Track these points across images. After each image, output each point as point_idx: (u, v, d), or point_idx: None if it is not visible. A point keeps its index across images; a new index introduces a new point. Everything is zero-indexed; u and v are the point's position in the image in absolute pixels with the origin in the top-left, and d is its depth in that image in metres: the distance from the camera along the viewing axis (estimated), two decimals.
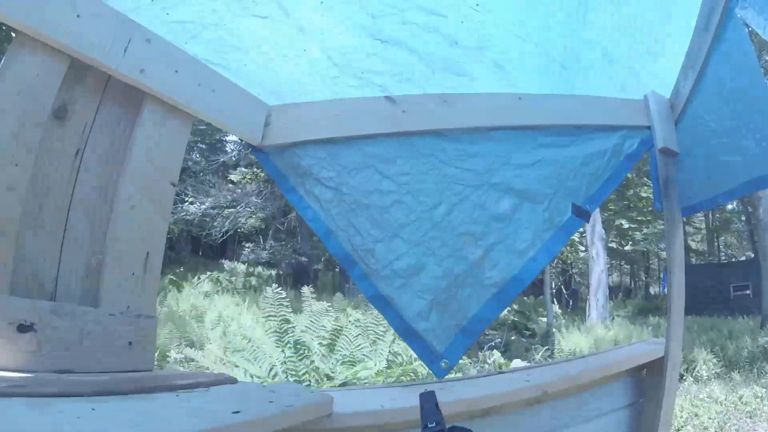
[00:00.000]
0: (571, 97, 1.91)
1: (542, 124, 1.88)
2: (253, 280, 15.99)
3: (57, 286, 1.17)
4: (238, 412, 0.98)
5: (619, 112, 1.98)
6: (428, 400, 0.79)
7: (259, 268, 19.43)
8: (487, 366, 7.21)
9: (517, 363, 7.91)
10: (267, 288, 5.21)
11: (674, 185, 2.05)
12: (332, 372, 4.04)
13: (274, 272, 18.98)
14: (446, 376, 1.81)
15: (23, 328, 1.05)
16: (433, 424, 0.70)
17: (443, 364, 1.73)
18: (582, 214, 1.87)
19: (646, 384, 2.27)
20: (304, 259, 17.81)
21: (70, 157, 1.20)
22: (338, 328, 4.49)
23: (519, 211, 1.83)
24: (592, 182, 1.90)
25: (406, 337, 1.76)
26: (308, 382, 3.98)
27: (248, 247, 18.98)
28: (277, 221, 19.73)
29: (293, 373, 4.13)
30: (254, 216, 18.23)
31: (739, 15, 1.37)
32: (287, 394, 1.19)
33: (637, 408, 2.31)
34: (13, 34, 1.12)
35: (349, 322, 5.02)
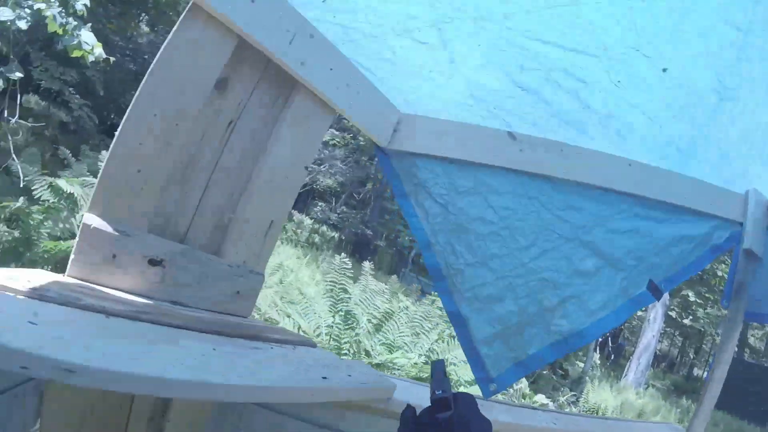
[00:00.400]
0: (676, 175, 1.85)
1: (643, 196, 1.85)
2: (317, 238, 16.58)
3: (188, 232, 1.33)
4: (326, 378, 1.12)
5: (716, 201, 1.91)
6: (438, 368, 0.81)
7: (324, 228, 20.10)
8: (511, 390, 7.12)
9: (541, 398, 7.76)
10: (336, 255, 5.42)
11: (746, 289, 1.95)
12: (372, 350, 4.21)
13: (337, 235, 19.58)
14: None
15: (154, 263, 1.22)
16: (440, 392, 0.72)
17: (492, 387, 1.81)
18: (656, 292, 1.84)
19: None
20: (369, 232, 18.10)
21: (223, 126, 1.33)
22: (389, 311, 4.63)
23: (599, 274, 1.83)
24: (674, 264, 1.87)
25: (468, 355, 1.85)
26: (347, 353, 4.18)
27: (320, 206, 19.66)
28: (353, 188, 20.14)
29: (336, 338, 4.34)
30: (333, 178, 18.79)
31: None
32: (360, 372, 1.34)
33: None
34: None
35: (399, 308, 5.13)
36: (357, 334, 4.35)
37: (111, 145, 1.16)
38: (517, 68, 1.48)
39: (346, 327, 4.40)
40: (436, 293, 6.62)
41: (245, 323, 1.37)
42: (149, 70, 1.16)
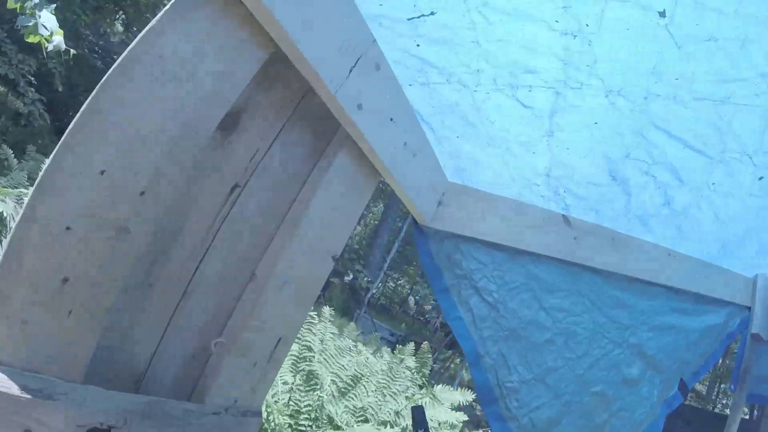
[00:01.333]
0: (700, 263, 1.72)
1: (679, 288, 1.72)
2: None
3: (149, 370, 0.74)
4: None
5: (731, 287, 1.84)
6: (419, 413, 0.88)
7: None
8: None
9: None
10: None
11: (750, 372, 1.92)
12: (337, 417, 3.55)
13: None
14: None
15: None
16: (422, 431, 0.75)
17: None
18: (684, 390, 1.76)
19: None
20: None
21: (222, 194, 0.76)
22: (358, 376, 3.98)
23: (643, 380, 1.68)
24: (701, 357, 1.79)
25: None
26: (307, 418, 3.51)
27: None
28: None
29: (296, 403, 3.66)
30: None
31: None
32: None
33: None
34: None
35: (364, 364, 4.50)
36: (320, 398, 3.67)
37: (14, 227, 0.56)
38: (623, 156, 1.17)
39: (308, 389, 3.72)
40: (398, 348, 6.03)
41: None
42: (100, 84, 0.57)
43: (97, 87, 0.55)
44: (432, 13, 0.82)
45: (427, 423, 0.82)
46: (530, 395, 1.49)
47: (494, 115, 1.04)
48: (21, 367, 0.58)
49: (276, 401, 3.63)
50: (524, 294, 1.49)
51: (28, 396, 0.58)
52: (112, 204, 0.58)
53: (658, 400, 1.68)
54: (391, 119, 0.95)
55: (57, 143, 0.56)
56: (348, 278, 12.80)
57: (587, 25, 0.73)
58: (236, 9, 0.65)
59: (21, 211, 0.52)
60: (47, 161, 0.54)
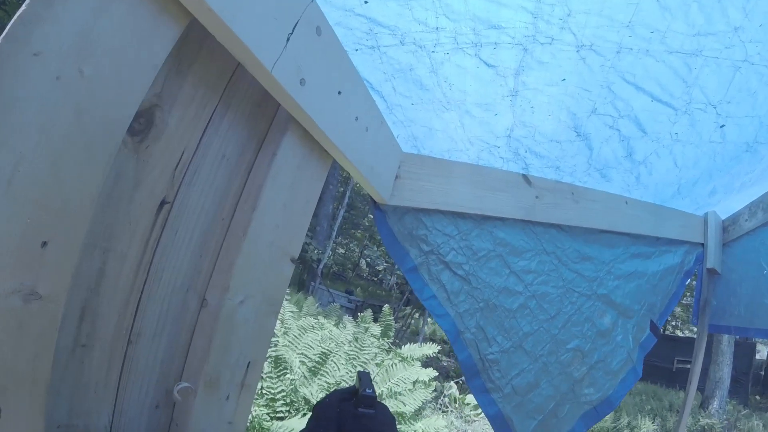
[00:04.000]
0: (656, 207, 1.77)
1: (635, 233, 1.75)
2: None
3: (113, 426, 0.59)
4: None
5: (686, 227, 1.93)
6: (365, 376, 0.77)
7: None
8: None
9: (472, 399, 7.47)
10: None
11: (709, 304, 2.04)
12: (312, 398, 3.46)
13: None
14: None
15: None
16: (370, 391, 0.72)
17: None
18: (655, 331, 1.79)
19: None
20: None
21: (149, 212, 0.60)
22: (326, 352, 3.88)
23: (616, 328, 1.71)
24: (664, 298, 1.84)
25: None
26: (283, 404, 3.39)
27: None
28: None
29: (268, 390, 3.53)
30: None
31: None
32: None
33: None
34: None
35: (329, 337, 4.41)
36: (292, 381, 3.55)
37: None
38: (589, 111, 1.11)
39: (279, 374, 3.59)
40: (360, 315, 5.99)
41: None
42: None
43: None
44: None
45: (373, 386, 0.76)
46: (510, 363, 1.48)
47: (453, 77, 0.91)
48: None
49: None
50: (493, 261, 1.42)
51: None
52: (8, 268, 0.41)
53: (634, 346, 1.72)
54: (339, 92, 0.80)
55: None
56: (306, 251, 12.57)
57: None
58: None
59: None
60: None
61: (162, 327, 0.65)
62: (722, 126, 1.17)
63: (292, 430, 3.05)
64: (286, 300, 5.28)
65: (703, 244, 1.91)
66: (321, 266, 11.42)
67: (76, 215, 0.47)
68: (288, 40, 0.65)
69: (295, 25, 0.67)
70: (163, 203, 0.60)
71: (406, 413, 4.02)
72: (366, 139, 0.94)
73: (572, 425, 1.57)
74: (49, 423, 0.51)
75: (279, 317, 4.83)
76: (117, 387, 0.61)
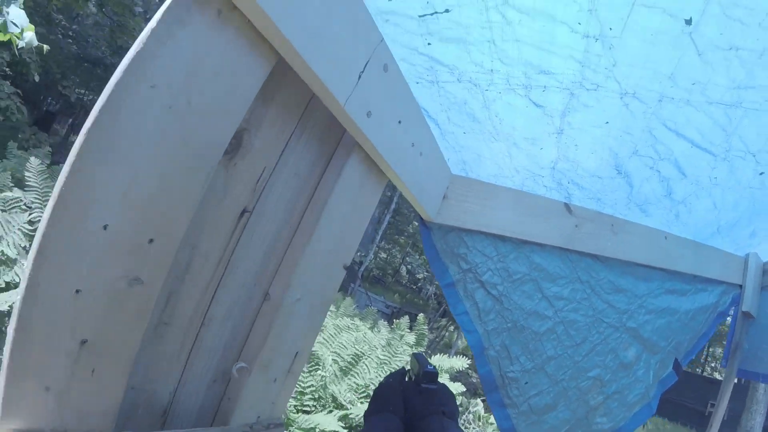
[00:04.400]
0: (695, 245, 1.74)
1: (672, 269, 1.74)
2: None
3: (172, 405, 0.70)
4: None
5: (724, 266, 1.88)
6: (422, 356, 0.80)
7: None
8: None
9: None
10: None
11: (740, 348, 1.96)
12: (341, 398, 3.57)
13: None
14: None
15: None
16: (432, 367, 0.75)
17: None
18: (678, 369, 1.78)
19: None
20: None
21: (230, 223, 0.70)
22: (359, 354, 4.00)
23: (639, 362, 1.71)
24: (694, 337, 1.82)
25: None
26: (311, 398, 3.52)
27: None
28: None
29: (299, 385, 3.67)
30: None
31: None
32: None
33: None
34: None
35: (363, 339, 4.51)
36: (323, 378, 3.69)
37: (20, 297, 0.48)
38: (630, 153, 1.15)
39: (310, 369, 3.73)
40: (395, 322, 6.05)
41: None
42: (86, 129, 0.48)
43: (84, 132, 0.48)
44: (446, 11, 0.75)
45: (430, 363, 0.79)
46: (530, 383, 1.50)
47: (503, 113, 0.98)
48: (53, 431, 0.53)
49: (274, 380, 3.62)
50: (527, 285, 1.47)
51: None
52: (119, 258, 0.53)
53: (653, 381, 1.71)
54: (399, 122, 0.89)
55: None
56: None
57: (610, 29, 0.68)
58: (232, 19, 0.58)
59: (23, 279, 0.46)
60: (42, 222, 0.47)
61: (230, 314, 0.76)
62: (761, 173, 1.18)
63: (317, 425, 3.15)
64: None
65: (740, 286, 1.87)
66: (362, 269, 11.59)
67: (177, 219, 0.59)
68: (359, 77, 0.75)
69: (366, 64, 0.76)
70: (244, 211, 0.71)
71: None
72: (419, 163, 1.03)
73: None
74: (126, 385, 0.63)
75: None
76: (186, 361, 0.72)
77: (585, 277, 1.60)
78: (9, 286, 3.02)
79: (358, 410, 3.49)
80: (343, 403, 3.63)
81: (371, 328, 6.25)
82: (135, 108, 0.51)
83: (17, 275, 3.08)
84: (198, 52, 0.56)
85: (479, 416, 6.93)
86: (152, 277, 0.58)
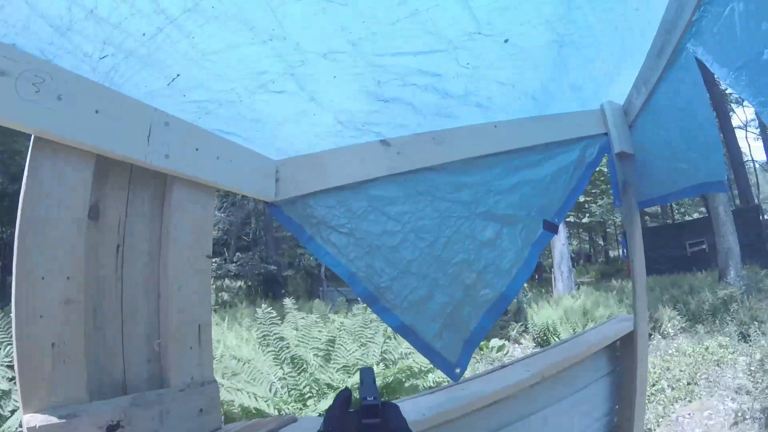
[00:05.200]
0: (537, 119, 2.02)
1: (516, 148, 1.99)
2: (225, 296, 15.46)
3: (126, 380, 1.15)
4: None
5: (580, 124, 2.13)
6: (368, 376, 0.81)
7: (227, 281, 18.81)
8: None
9: (495, 342, 8.13)
10: (252, 305, 5.10)
11: (630, 185, 2.28)
12: (332, 380, 4.04)
13: (242, 283, 18.42)
14: (472, 370, 1.99)
15: (111, 428, 1.05)
16: (371, 399, 0.72)
17: (456, 371, 1.88)
18: (551, 228, 2.03)
19: (621, 353, 2.53)
20: (272, 267, 17.28)
21: (112, 255, 1.16)
22: (332, 338, 4.48)
23: (501, 236, 1.96)
24: (560, 196, 2.05)
25: (428, 355, 1.88)
26: (310, 395, 3.97)
27: (215, 262, 18.39)
28: (239, 232, 19.17)
29: (294, 387, 4.09)
30: (216, 229, 17.68)
31: (690, 49, 1.50)
32: None
33: (615, 374, 2.57)
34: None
35: (338, 328, 5.00)
36: (311, 374, 4.14)
37: (13, 329, 0.96)
38: (375, 84, 1.51)
39: (298, 371, 4.17)
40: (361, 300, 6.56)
41: None
42: (17, 234, 0.96)
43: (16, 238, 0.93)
44: (178, 75, 1.19)
45: (377, 388, 0.79)
46: (401, 286, 1.82)
47: (268, 107, 1.43)
48: (54, 406, 0.96)
49: (275, 393, 4.02)
50: (372, 214, 1.84)
51: (63, 420, 0.96)
52: (55, 291, 0.98)
53: (523, 246, 1.97)
54: (197, 149, 1.33)
55: None
56: (301, 263, 13.08)
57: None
58: (62, 149, 1.02)
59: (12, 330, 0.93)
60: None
61: (138, 309, 1.19)
62: (506, 40, 1.41)
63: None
64: (295, 308, 5.77)
65: (606, 133, 2.13)
66: (323, 270, 11.99)
67: (77, 263, 1.01)
68: (148, 139, 1.18)
69: (150, 128, 1.20)
70: (118, 246, 1.15)
71: (419, 369, 4.56)
72: (233, 167, 1.48)
73: (478, 321, 1.89)
74: (89, 370, 1.07)
75: (293, 325, 5.38)
76: (122, 346, 1.16)
77: (423, 188, 1.91)
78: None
79: (345, 384, 3.98)
80: (334, 384, 4.09)
81: (346, 316, 6.67)
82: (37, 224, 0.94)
83: (16, 401, 3.47)
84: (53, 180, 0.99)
85: (480, 347, 7.57)
86: (78, 298, 1.01)
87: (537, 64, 1.65)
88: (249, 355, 4.95)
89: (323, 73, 1.37)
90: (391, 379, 4.22)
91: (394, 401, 0.83)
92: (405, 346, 4.78)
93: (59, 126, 0.99)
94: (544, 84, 1.81)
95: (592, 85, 1.99)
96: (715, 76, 1.40)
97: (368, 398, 0.71)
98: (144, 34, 1.01)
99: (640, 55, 1.89)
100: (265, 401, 3.90)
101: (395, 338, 4.94)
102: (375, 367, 4.30)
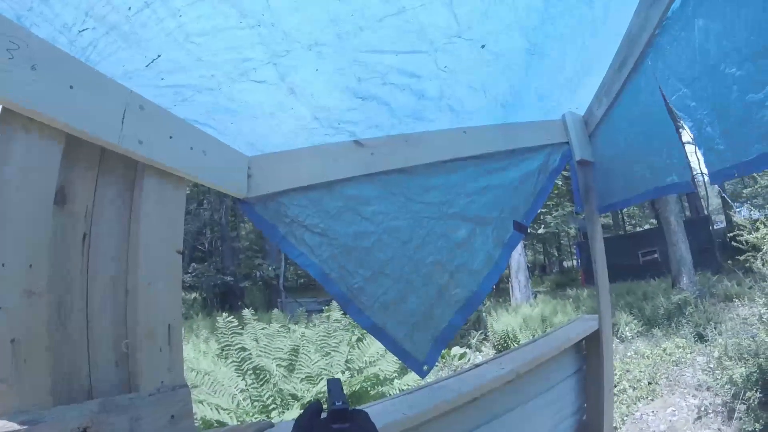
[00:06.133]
0: (504, 126, 2.11)
1: (485, 153, 2.07)
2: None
3: (92, 383, 1.07)
4: None
5: (543, 133, 2.24)
6: (335, 385, 0.84)
7: (182, 293, 18.05)
8: None
9: (456, 350, 8.20)
10: (208, 317, 4.93)
11: (592, 190, 2.38)
12: (296, 391, 3.93)
13: (196, 295, 17.73)
14: (436, 377, 1.99)
15: None
16: (340, 403, 0.74)
17: (425, 369, 1.92)
18: (521, 229, 2.12)
19: (588, 352, 2.63)
20: (229, 278, 16.72)
21: (78, 245, 1.08)
22: (295, 348, 4.37)
23: (473, 236, 2.03)
24: (527, 199, 2.16)
25: (397, 355, 1.90)
26: (274, 405, 3.84)
27: None
28: (194, 242, 18.53)
29: (257, 398, 3.96)
30: None
31: (649, 63, 1.60)
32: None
33: (582, 373, 2.65)
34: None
35: (300, 338, 4.89)
36: (275, 384, 4.01)
37: None
38: (355, 81, 1.53)
39: (261, 382, 4.03)
40: (325, 309, 6.48)
41: None
42: None
43: None
44: (158, 56, 1.15)
45: (345, 396, 0.81)
46: (374, 287, 1.83)
47: (247, 97, 1.40)
48: (15, 411, 0.88)
49: (237, 405, 3.87)
50: (346, 214, 1.84)
51: (25, 426, 0.88)
52: (17, 280, 0.89)
53: (495, 246, 2.05)
54: (171, 137, 1.29)
55: None
56: (258, 274, 12.82)
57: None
58: (31, 123, 0.95)
59: None
60: None
61: (105, 308, 1.11)
62: (483, 46, 1.44)
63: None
64: (255, 319, 5.63)
65: (567, 142, 2.25)
66: (281, 281, 11.77)
67: (42, 251, 0.94)
68: (122, 122, 1.13)
69: (124, 111, 1.14)
70: (84, 235, 1.08)
71: (385, 377, 4.53)
72: (207, 160, 1.43)
73: (448, 321, 1.94)
74: (53, 372, 0.97)
75: (253, 336, 5.22)
76: (87, 348, 1.07)
77: (396, 189, 1.94)
78: None
79: (311, 394, 3.90)
80: (298, 395, 3.99)
81: (307, 327, 6.57)
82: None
83: None
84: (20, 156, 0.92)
85: (442, 355, 7.63)
86: (40, 290, 0.94)
87: (509, 72, 1.73)
88: (208, 367, 4.75)
89: (306, 66, 1.36)
90: (357, 387, 4.16)
91: (361, 407, 0.86)
92: (369, 354, 4.74)
93: (31, 98, 0.92)
94: (513, 91, 1.87)
95: (557, 95, 2.09)
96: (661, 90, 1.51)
97: (337, 403, 0.73)
98: (130, 8, 0.97)
99: (602, 67, 2.01)
100: (228, 413, 3.75)
101: (359, 348, 4.88)
102: (341, 375, 4.23)
